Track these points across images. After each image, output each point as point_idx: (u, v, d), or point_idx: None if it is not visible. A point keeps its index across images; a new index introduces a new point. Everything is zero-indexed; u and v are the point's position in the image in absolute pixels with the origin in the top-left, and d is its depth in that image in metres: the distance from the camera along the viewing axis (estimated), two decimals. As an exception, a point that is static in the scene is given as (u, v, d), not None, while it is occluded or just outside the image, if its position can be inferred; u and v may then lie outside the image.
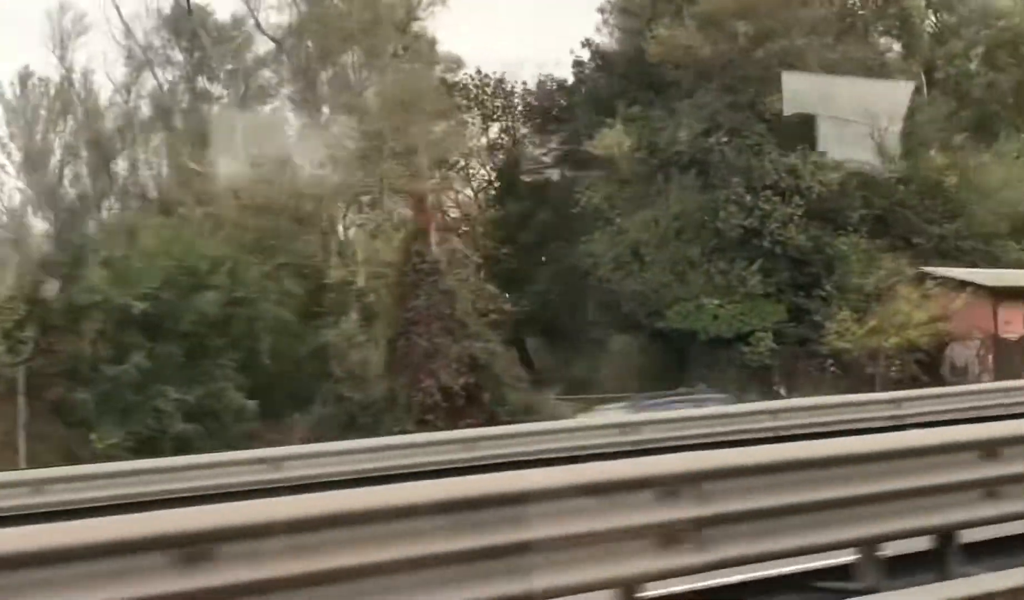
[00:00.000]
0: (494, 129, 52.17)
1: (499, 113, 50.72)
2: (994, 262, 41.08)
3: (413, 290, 27.67)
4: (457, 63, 53.36)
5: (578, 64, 45.21)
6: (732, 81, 38.79)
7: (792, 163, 37.53)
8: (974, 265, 40.65)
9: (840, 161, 37.16)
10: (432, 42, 52.94)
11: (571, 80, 45.91)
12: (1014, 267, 40.92)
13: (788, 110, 40.59)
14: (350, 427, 28.73)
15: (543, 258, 43.83)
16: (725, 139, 37.63)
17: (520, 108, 48.22)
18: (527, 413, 28.50)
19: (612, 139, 38.49)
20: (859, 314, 34.05)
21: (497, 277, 46.84)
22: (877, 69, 42.63)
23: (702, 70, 38.69)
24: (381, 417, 27.82)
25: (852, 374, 35.30)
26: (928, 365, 33.82)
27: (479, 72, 51.69)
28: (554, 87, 46.84)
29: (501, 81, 49.99)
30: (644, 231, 37.86)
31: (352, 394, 29.79)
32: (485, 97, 50.81)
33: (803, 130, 38.87)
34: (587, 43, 45.31)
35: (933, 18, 56.14)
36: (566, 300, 43.34)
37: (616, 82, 44.23)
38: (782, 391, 36.50)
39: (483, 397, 27.54)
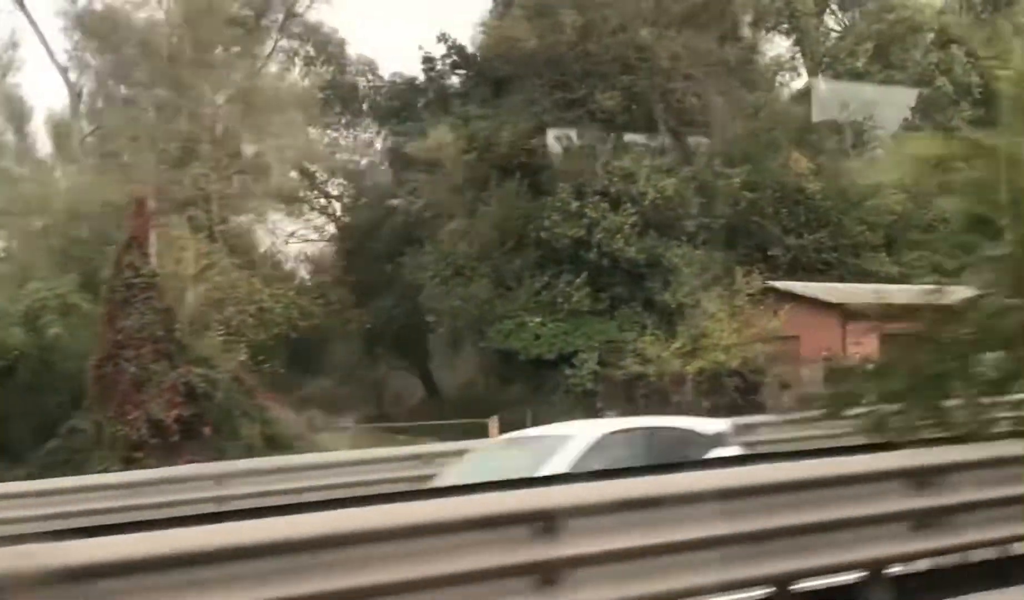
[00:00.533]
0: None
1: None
2: (864, 276, 37.71)
3: (124, 308, 24.39)
4: (369, 66, 50.45)
5: (428, 60, 41.97)
6: (566, 77, 35.52)
7: (627, 167, 34.22)
8: (842, 279, 37.39)
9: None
10: (340, 43, 50.24)
11: (421, 78, 42.60)
12: (887, 282, 37.57)
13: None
14: (68, 464, 25.51)
15: (389, 269, 40.54)
16: (552, 140, 34.33)
17: (368, 108, 45.04)
18: (270, 449, 25.23)
19: (436, 140, 35.26)
20: (671, 334, 30.71)
21: (350, 290, 43.92)
22: (740, 66, 39.36)
23: (531, 65, 35.44)
24: (90, 454, 24.60)
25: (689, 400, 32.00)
26: (745, 390, 30.39)
27: (374, 74, 48.94)
28: (403, 86, 43.60)
29: (395, 82, 46.96)
30: (466, 241, 34.59)
31: (86, 426, 26.57)
32: (379, 100, 47.92)
33: (644, 131, 35.71)
34: (443, 38, 42.07)
35: (839, 14, 53.18)
36: (412, 316, 40.18)
37: (468, 79, 41.21)
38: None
39: (204, 431, 24.26)
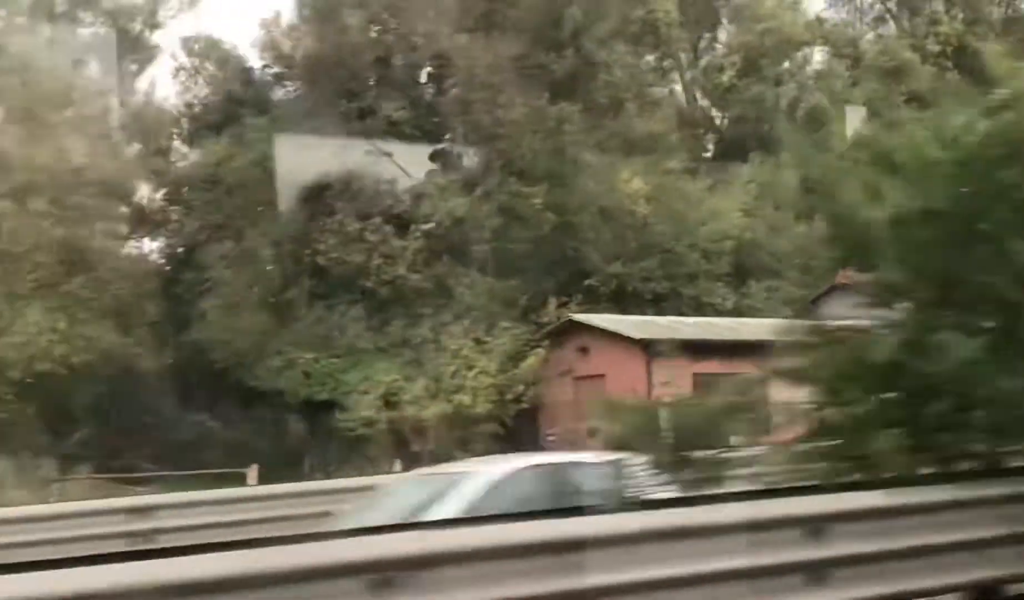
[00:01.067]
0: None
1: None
2: (699, 308, 34.10)
3: None
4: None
5: (245, 70, 38.43)
6: (354, 85, 31.92)
7: (416, 185, 30.54)
8: (681, 312, 33.70)
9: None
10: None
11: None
12: (727, 315, 33.85)
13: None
14: None
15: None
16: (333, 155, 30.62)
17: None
18: None
19: (214, 156, 31.70)
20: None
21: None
22: (572, 78, 35.66)
23: (315, 71, 31.90)
24: None
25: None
26: (507, 437, 26.47)
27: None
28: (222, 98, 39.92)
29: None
30: (235, 267, 30.91)
31: None
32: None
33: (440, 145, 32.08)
34: (268, 46, 38.47)
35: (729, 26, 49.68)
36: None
37: (290, 90, 37.67)
38: (396, 467, 29.38)
39: None
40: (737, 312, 34.13)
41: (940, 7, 48.84)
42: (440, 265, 30.13)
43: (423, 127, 31.64)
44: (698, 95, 45.57)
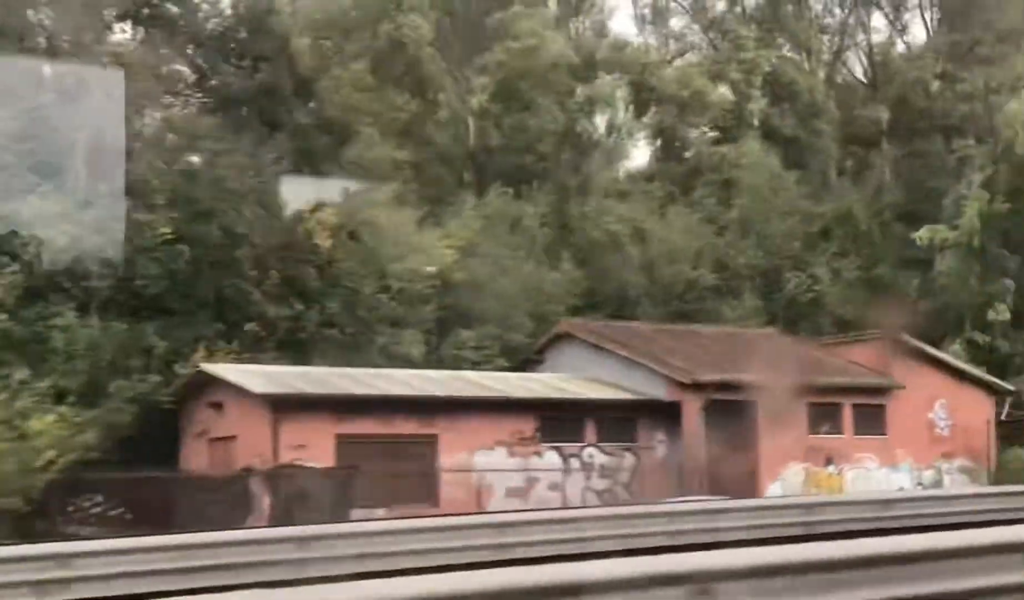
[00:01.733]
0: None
1: None
2: (391, 359, 29.28)
3: None
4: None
5: None
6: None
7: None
8: (374, 363, 28.86)
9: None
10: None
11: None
12: (422, 366, 28.96)
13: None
14: None
15: None
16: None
17: None
18: None
19: None
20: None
21: None
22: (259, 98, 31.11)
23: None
24: None
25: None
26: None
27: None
28: None
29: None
30: None
31: None
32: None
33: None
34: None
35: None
36: None
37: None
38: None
39: None
40: (438, 363, 29.43)
41: (745, 32, 44.89)
42: (39, 305, 25.18)
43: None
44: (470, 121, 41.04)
